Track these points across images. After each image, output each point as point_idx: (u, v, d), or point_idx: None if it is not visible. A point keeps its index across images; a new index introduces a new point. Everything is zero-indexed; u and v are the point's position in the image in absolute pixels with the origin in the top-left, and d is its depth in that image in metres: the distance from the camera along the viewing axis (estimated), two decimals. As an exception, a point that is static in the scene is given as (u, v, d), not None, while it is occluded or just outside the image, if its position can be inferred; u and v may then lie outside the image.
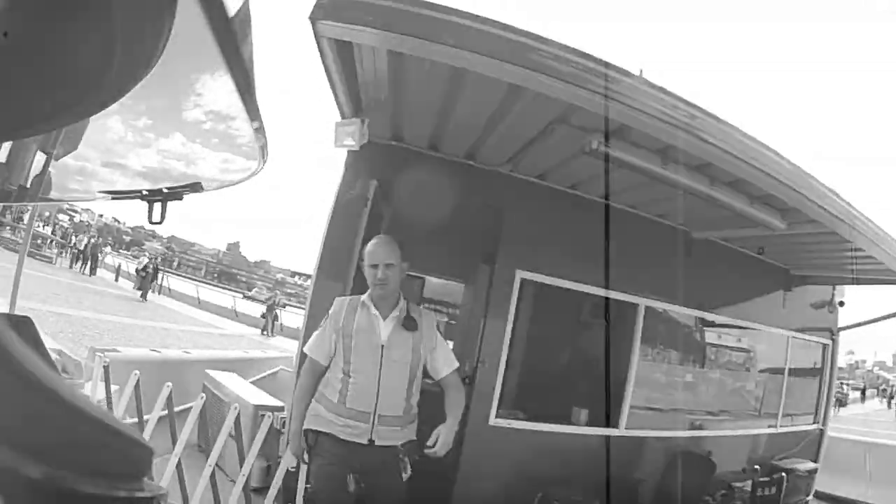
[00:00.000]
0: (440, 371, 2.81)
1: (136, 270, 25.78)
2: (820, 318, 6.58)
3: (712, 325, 5.64)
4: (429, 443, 2.61)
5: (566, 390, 5.07)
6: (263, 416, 3.85)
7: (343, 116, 3.71)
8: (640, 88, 2.82)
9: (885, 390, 38.65)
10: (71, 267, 24.38)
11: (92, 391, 4.01)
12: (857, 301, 7.06)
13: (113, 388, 4.10)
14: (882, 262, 4.76)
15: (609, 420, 4.67)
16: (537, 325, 5.11)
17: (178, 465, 3.72)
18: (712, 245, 5.17)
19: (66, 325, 9.88)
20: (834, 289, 6.64)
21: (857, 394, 40.48)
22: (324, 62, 2.98)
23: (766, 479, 5.27)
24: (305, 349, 2.86)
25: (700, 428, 5.42)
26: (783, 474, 5.36)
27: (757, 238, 4.96)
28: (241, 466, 3.69)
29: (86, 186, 1.03)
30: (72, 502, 0.42)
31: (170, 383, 3.84)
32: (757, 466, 5.47)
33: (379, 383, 2.64)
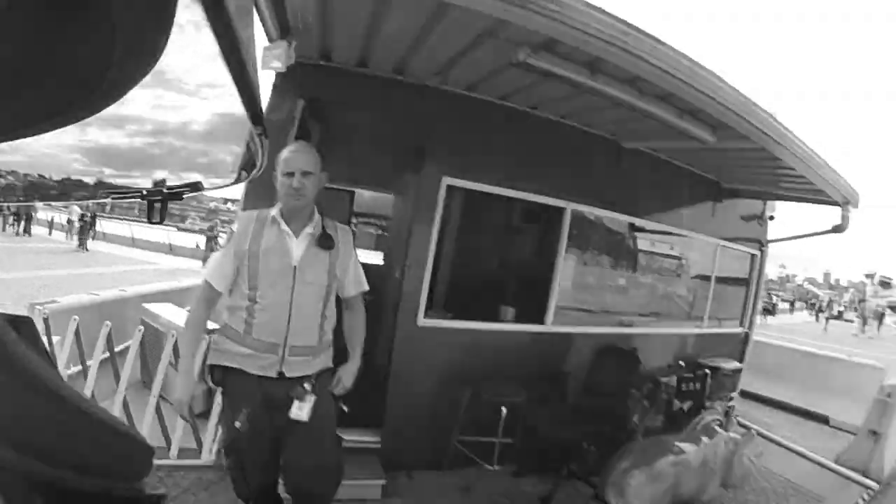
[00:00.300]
0: (347, 290, 2.63)
1: (68, 220, 25.52)
2: (750, 229, 6.95)
3: (643, 230, 5.88)
4: (330, 387, 2.54)
5: (494, 291, 5.30)
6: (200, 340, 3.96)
7: (270, 40, 3.72)
8: (568, 3, 2.85)
9: (813, 304, 40.45)
10: (4, 230, 24.14)
11: None
12: (788, 215, 7.45)
13: (56, 339, 4.04)
14: (813, 183, 5.02)
15: (536, 317, 4.95)
16: (466, 230, 5.27)
17: (125, 404, 3.78)
18: (642, 155, 5.35)
19: (4, 290, 10.13)
20: (765, 203, 7.00)
21: (787, 305, 42.51)
22: None
23: (691, 374, 5.60)
24: (204, 274, 2.52)
25: (629, 326, 5.74)
26: (707, 371, 5.72)
27: (687, 150, 5.15)
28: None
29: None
30: (72, 502, 0.42)
31: (108, 322, 3.86)
32: (681, 363, 5.86)
33: (290, 310, 2.40)
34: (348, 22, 3.54)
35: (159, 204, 0.89)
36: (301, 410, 2.42)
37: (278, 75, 4.00)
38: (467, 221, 5.22)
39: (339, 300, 2.65)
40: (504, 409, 4.25)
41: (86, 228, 21.72)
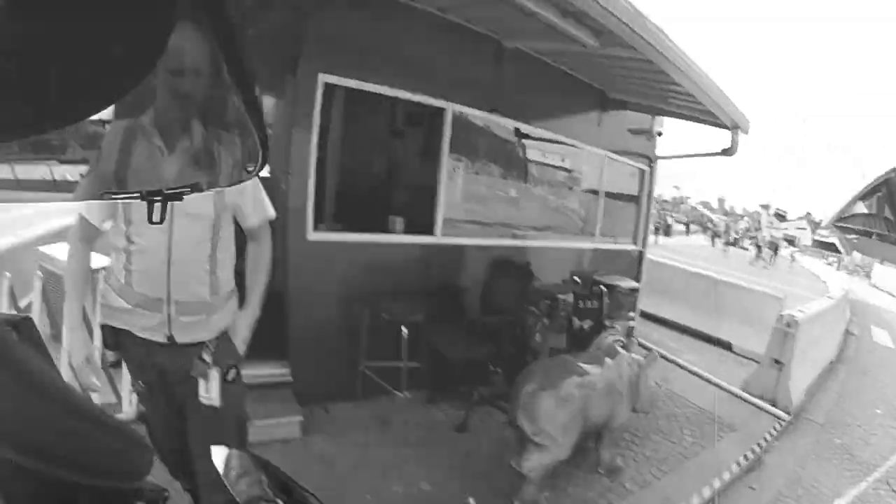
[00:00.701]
0: (248, 219, 2.10)
1: None
2: (638, 143, 7.18)
3: (529, 137, 5.88)
4: (200, 391, 2.01)
5: (381, 200, 5.22)
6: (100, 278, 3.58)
7: None
8: None
9: (708, 228, 43.56)
10: None
11: None
12: (680, 135, 7.70)
13: None
14: (702, 104, 5.15)
15: (426, 228, 4.88)
16: (349, 134, 5.15)
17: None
18: (525, 57, 5.33)
19: None
20: (653, 118, 7.22)
21: (682, 227, 45.61)
22: None
23: (587, 291, 5.73)
24: (82, 212, 2.00)
25: (522, 239, 5.80)
26: (603, 288, 5.83)
27: (572, 55, 5.13)
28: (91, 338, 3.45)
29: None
30: (72, 502, 0.42)
31: (7, 274, 3.64)
32: (577, 279, 5.98)
33: (169, 253, 1.88)
34: None
35: (159, 204, 0.89)
36: (210, 392, 1.97)
37: None
38: (348, 124, 5.10)
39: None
40: (405, 330, 4.23)
41: None
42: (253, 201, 2.08)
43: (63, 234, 5.76)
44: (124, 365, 2.15)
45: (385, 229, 4.74)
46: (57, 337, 4.17)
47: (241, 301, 2.14)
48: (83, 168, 1.20)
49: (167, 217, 1.78)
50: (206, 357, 1.98)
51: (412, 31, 4.55)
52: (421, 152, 5.42)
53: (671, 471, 4.13)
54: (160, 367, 1.99)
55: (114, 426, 0.48)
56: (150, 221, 0.90)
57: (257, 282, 2.13)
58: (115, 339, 1.98)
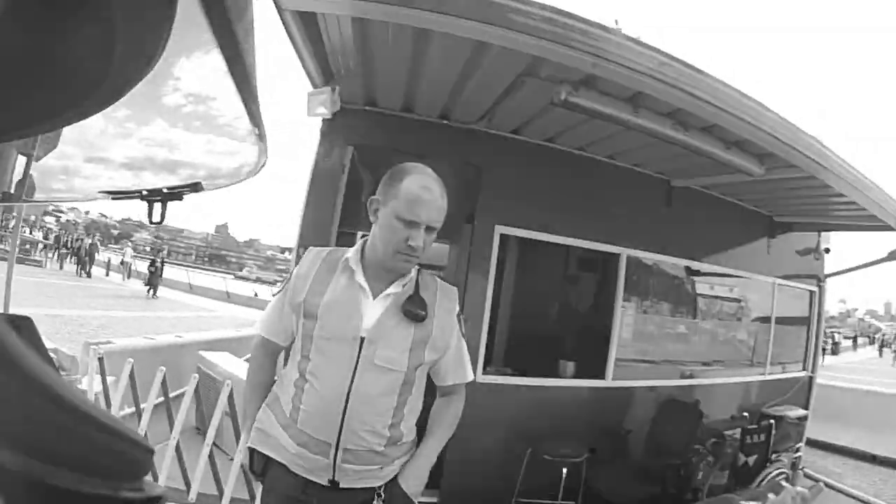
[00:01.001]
0: (444, 378, 1.94)
1: (122, 262, 25.88)
2: (806, 264, 6.81)
3: (699, 273, 5.82)
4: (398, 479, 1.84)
5: (552, 344, 5.26)
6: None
7: (314, 86, 3.79)
8: (605, 36, 2.89)
9: (876, 338, 39.48)
10: (61, 267, 24.74)
11: (88, 384, 4.02)
12: (844, 248, 7.25)
13: (110, 379, 4.10)
14: (865, 209, 4.91)
15: (596, 372, 4.87)
16: (522, 281, 5.31)
17: (177, 448, 3.78)
18: (693, 193, 5.35)
19: (62, 325, 10.13)
20: (819, 235, 6.88)
21: (849, 342, 41.37)
22: (289, 34, 3.10)
23: (755, 426, 5.41)
24: (258, 328, 1.95)
25: (690, 377, 5.64)
26: (772, 421, 5.50)
27: (737, 185, 5.11)
28: (237, 443, 3.66)
29: (85, 187, 1.01)
30: (72, 502, 0.42)
31: (163, 367, 3.86)
32: (745, 414, 5.72)
33: (347, 401, 1.69)
34: (390, 66, 3.60)
35: (159, 204, 0.89)
36: None
37: (325, 122, 4.12)
38: (522, 271, 5.31)
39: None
40: (565, 470, 4.16)
41: (156, 275, 21.46)
42: (454, 362, 1.93)
43: (221, 344, 6.26)
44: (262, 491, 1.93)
45: (555, 373, 4.78)
46: (201, 431, 4.45)
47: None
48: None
49: (353, 360, 1.69)
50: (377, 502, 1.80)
51: (582, 179, 4.72)
52: (593, 295, 5.49)
53: None
54: None
55: (113, 426, 0.47)
56: (150, 222, 0.87)
57: (438, 436, 1.95)
58: (264, 467, 1.82)
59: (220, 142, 0.82)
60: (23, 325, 0.48)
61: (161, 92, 0.67)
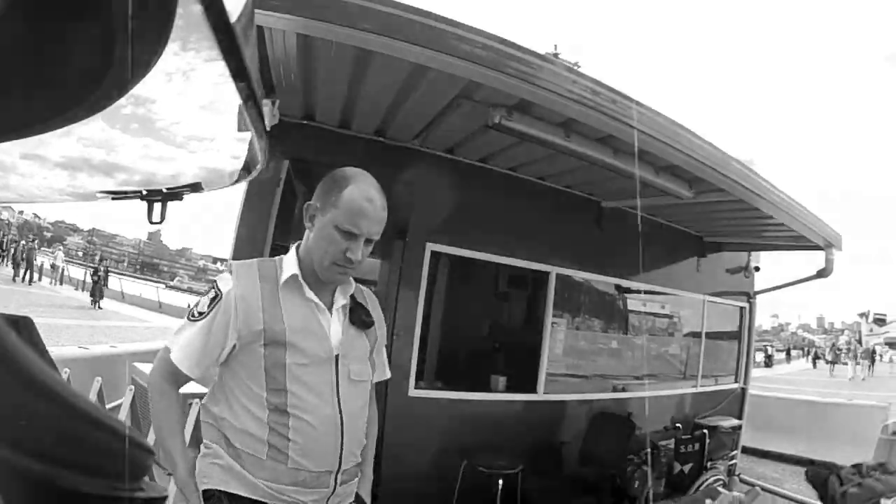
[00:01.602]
0: (378, 376, 1.89)
1: (52, 265, 25.40)
2: (736, 282, 7.04)
3: (629, 291, 5.95)
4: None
5: (484, 359, 5.29)
6: (191, 403, 3.78)
7: None
8: (538, 64, 2.97)
9: (809, 352, 40.69)
10: (14, 279, 22.85)
11: None
12: (775, 265, 7.53)
13: None
14: (794, 230, 5.09)
15: (528, 386, 4.92)
16: (453, 298, 5.35)
17: None
18: (623, 214, 5.45)
19: None
20: (749, 254, 7.12)
21: (783, 355, 42.57)
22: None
23: (688, 436, 5.53)
24: (173, 357, 1.61)
25: (623, 391, 5.71)
26: (704, 431, 5.63)
27: (667, 207, 5.23)
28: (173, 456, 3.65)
29: (85, 187, 0.94)
30: (72, 502, 0.42)
31: (99, 378, 3.82)
32: (679, 425, 5.83)
33: (342, 423, 1.62)
34: (330, 82, 3.61)
35: (159, 204, 0.86)
36: None
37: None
38: (454, 288, 5.34)
39: None
40: (500, 482, 4.16)
41: (99, 284, 20.22)
42: (383, 364, 1.90)
43: (151, 356, 6.27)
44: None
45: (487, 387, 4.80)
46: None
47: None
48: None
49: (332, 381, 1.62)
50: None
51: (514, 200, 4.80)
52: (523, 311, 5.56)
53: None
54: None
55: (113, 426, 0.47)
56: (150, 222, 0.84)
57: (372, 447, 1.86)
58: None
59: (219, 142, 0.81)
60: (23, 325, 0.49)
61: (160, 92, 0.63)
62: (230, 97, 0.53)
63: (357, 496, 1.79)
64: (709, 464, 5.49)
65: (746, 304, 7.18)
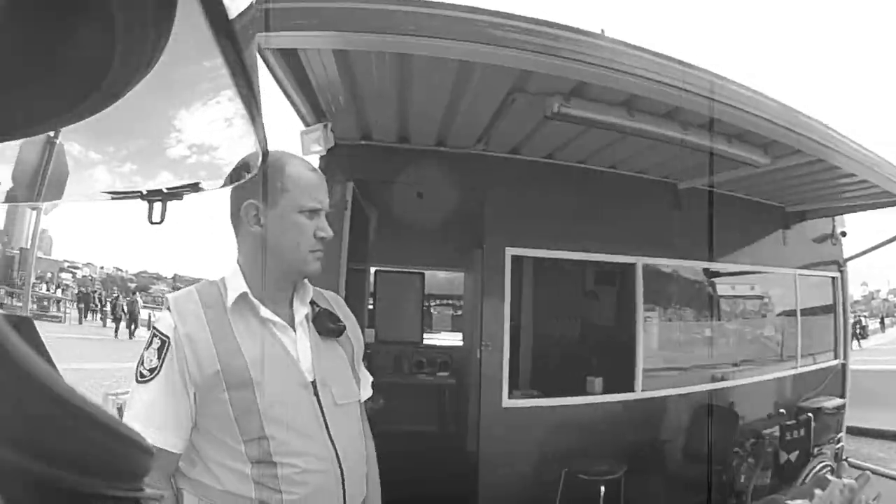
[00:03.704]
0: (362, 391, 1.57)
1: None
2: (824, 251, 6.56)
3: (717, 274, 5.67)
4: None
5: (577, 362, 5.10)
6: None
7: (306, 125, 3.69)
8: (591, 42, 2.78)
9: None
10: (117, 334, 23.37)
11: None
12: (860, 229, 7.04)
13: None
14: (877, 185, 4.71)
15: (625, 385, 4.72)
16: (539, 301, 5.18)
17: None
18: (701, 193, 5.14)
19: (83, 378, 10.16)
20: (834, 220, 6.62)
21: (877, 324, 40.40)
22: (274, 75, 3.00)
23: (793, 421, 5.17)
24: (133, 422, 1.25)
25: (721, 380, 5.42)
26: (809, 415, 5.27)
27: (744, 179, 4.91)
28: None
29: (85, 186, 0.94)
30: (72, 502, 0.40)
31: None
32: (782, 410, 5.45)
33: (339, 460, 1.32)
34: (378, 97, 3.50)
35: (159, 204, 0.85)
36: None
37: (322, 159, 3.92)
38: (539, 291, 5.16)
39: None
40: (603, 489, 4.01)
41: None
42: (363, 372, 1.57)
43: None
44: None
45: (583, 390, 4.63)
46: None
47: None
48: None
49: (319, 420, 1.32)
50: None
51: (587, 192, 4.61)
52: (615, 309, 5.37)
53: None
54: None
55: (113, 427, 0.44)
56: (150, 222, 0.79)
57: (372, 492, 1.52)
58: None
59: (219, 142, 0.79)
60: (23, 325, 0.45)
61: (160, 91, 0.62)
62: (228, 95, 0.54)
63: None
64: (815, 450, 5.13)
65: (837, 274, 6.67)
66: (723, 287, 5.84)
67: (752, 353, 6.01)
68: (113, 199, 0.88)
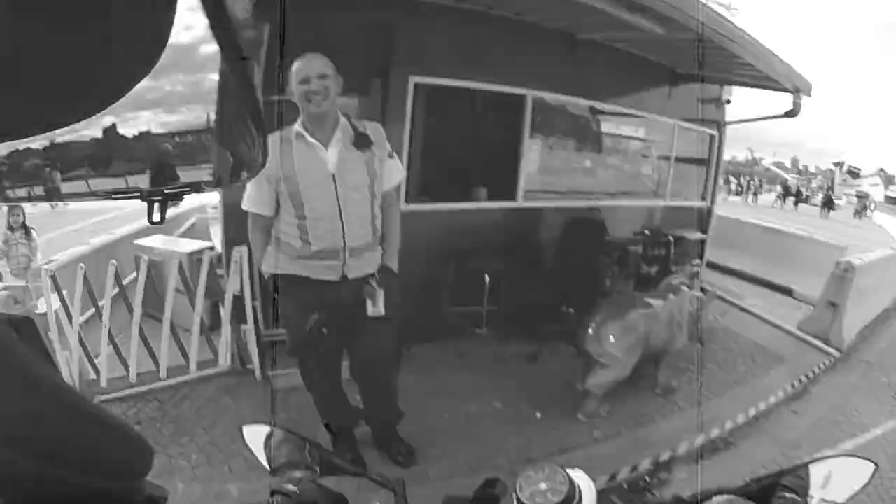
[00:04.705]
0: (385, 183, 2.65)
1: None
2: (707, 112, 7.15)
3: (602, 113, 6.14)
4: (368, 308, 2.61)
5: (466, 175, 5.55)
6: (199, 259, 4.15)
7: None
8: None
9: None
10: None
11: (47, 304, 3.84)
12: (750, 103, 7.60)
13: (64, 292, 3.97)
14: (762, 71, 5.38)
15: (508, 195, 5.30)
16: (434, 123, 5.44)
17: (141, 331, 3.90)
18: (598, 46, 5.57)
19: None
20: (722, 88, 7.20)
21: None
22: None
23: (656, 242, 6.03)
24: (245, 206, 2.59)
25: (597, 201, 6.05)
26: (670, 237, 6.10)
27: (640, 41, 5.44)
28: (193, 310, 3.91)
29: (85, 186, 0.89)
30: (72, 502, 0.41)
31: (114, 261, 3.91)
32: (647, 231, 6.23)
33: (341, 217, 2.47)
34: None
35: (159, 204, 0.85)
36: (376, 307, 2.60)
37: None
38: (433, 113, 5.39)
39: None
40: (487, 277, 4.62)
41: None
42: (388, 172, 2.65)
43: (152, 230, 5.57)
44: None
45: (470, 198, 5.15)
46: (152, 316, 4.19)
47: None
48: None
49: (333, 191, 2.46)
50: (373, 282, 2.59)
51: (492, 34, 4.94)
52: (502, 132, 5.73)
53: (722, 394, 4.38)
54: (336, 297, 2.57)
55: (114, 426, 0.47)
56: (150, 222, 0.85)
57: (396, 227, 2.75)
58: (287, 284, 2.57)
59: (219, 142, 0.78)
60: (23, 326, 0.47)
61: (160, 91, 0.61)
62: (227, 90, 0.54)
63: (383, 265, 2.68)
64: (674, 268, 5.86)
65: (716, 133, 7.37)
66: (607, 125, 6.31)
67: (628, 187, 6.68)
68: (113, 198, 0.86)
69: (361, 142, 2.52)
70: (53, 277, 3.92)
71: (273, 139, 2.46)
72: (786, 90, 5.99)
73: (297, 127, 2.50)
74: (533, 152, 5.49)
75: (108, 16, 0.33)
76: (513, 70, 5.11)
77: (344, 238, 2.49)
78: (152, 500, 0.51)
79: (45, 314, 3.75)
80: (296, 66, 2.47)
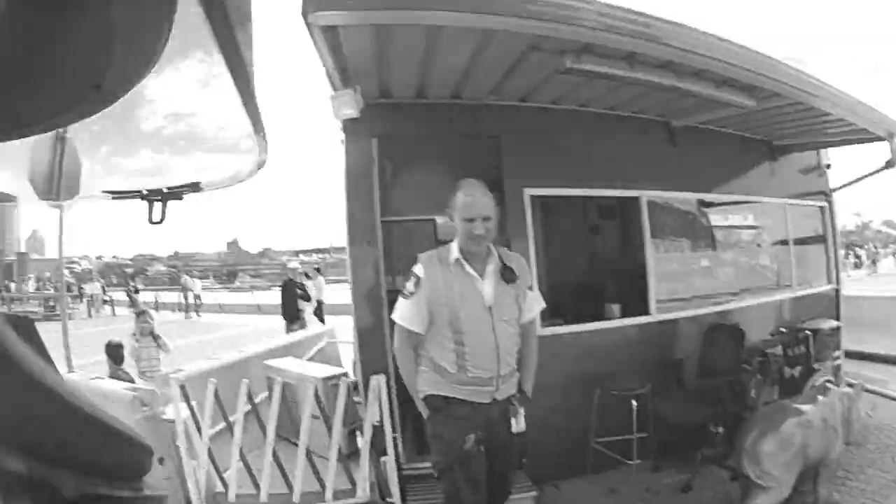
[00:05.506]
0: (526, 314, 2.91)
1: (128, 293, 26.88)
2: (811, 182, 7.18)
3: (711, 205, 6.15)
4: (513, 426, 2.84)
5: (595, 291, 5.60)
6: (335, 384, 4.28)
7: (335, 90, 4.02)
8: (595, 9, 3.31)
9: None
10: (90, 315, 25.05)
11: (175, 413, 4.05)
12: (847, 164, 7.47)
13: (193, 403, 4.21)
14: (854, 123, 5.39)
15: (641, 310, 5.21)
16: (557, 239, 5.57)
17: (274, 453, 4.00)
18: (694, 130, 5.69)
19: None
20: (819, 153, 7.25)
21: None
22: (316, 47, 3.39)
23: (794, 340, 5.75)
24: (398, 319, 2.80)
25: (727, 304, 5.93)
26: (808, 332, 5.86)
27: (732, 117, 5.51)
28: (329, 437, 4.03)
29: (88, 187, 1.03)
30: (72, 502, 0.43)
31: (246, 380, 4.15)
32: (783, 329, 6.04)
33: (497, 350, 2.71)
34: (403, 61, 3.96)
35: (159, 204, 0.90)
36: (519, 423, 2.88)
37: (344, 121, 4.37)
38: (554, 229, 5.54)
39: None
40: (635, 403, 4.51)
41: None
42: (534, 298, 2.96)
43: (282, 351, 6.36)
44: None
45: (603, 317, 5.11)
46: (284, 437, 4.50)
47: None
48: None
49: (490, 324, 2.69)
50: (515, 402, 2.86)
51: (591, 133, 5.04)
52: (619, 240, 5.82)
53: (885, 500, 4.11)
54: (487, 418, 2.79)
55: (113, 426, 0.48)
56: (151, 222, 0.89)
57: (534, 354, 2.97)
58: (444, 405, 2.76)
59: (219, 141, 0.84)
60: (23, 326, 0.48)
61: (161, 91, 0.68)
62: (230, 97, 0.55)
63: (520, 389, 2.90)
64: (816, 366, 5.74)
65: (825, 203, 7.32)
66: (716, 218, 6.25)
67: (749, 281, 6.47)
68: (113, 198, 0.93)
69: (509, 275, 2.77)
70: (183, 388, 4.15)
71: (432, 261, 2.77)
72: (879, 138, 5.95)
73: (456, 254, 2.77)
74: (657, 255, 5.45)
75: (107, 16, 0.34)
76: (620, 170, 5.19)
77: (498, 368, 2.73)
78: (151, 500, 0.52)
79: (172, 421, 3.97)
80: (462, 199, 2.72)
